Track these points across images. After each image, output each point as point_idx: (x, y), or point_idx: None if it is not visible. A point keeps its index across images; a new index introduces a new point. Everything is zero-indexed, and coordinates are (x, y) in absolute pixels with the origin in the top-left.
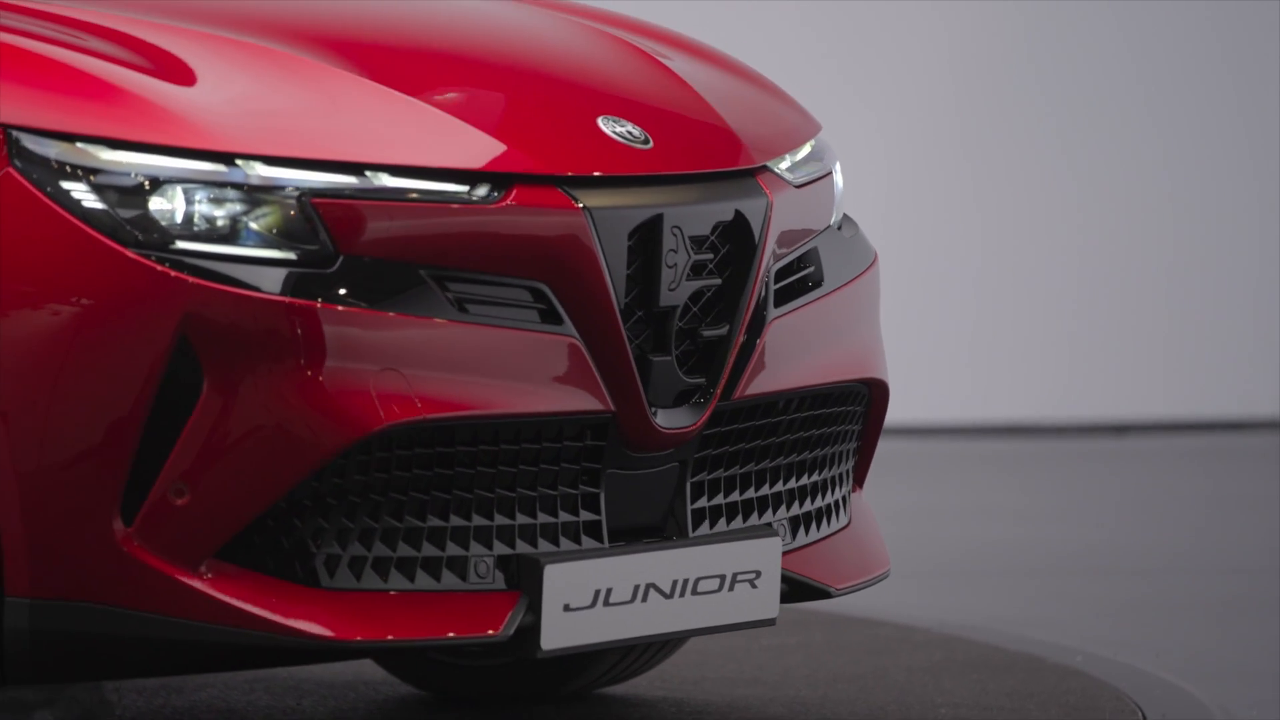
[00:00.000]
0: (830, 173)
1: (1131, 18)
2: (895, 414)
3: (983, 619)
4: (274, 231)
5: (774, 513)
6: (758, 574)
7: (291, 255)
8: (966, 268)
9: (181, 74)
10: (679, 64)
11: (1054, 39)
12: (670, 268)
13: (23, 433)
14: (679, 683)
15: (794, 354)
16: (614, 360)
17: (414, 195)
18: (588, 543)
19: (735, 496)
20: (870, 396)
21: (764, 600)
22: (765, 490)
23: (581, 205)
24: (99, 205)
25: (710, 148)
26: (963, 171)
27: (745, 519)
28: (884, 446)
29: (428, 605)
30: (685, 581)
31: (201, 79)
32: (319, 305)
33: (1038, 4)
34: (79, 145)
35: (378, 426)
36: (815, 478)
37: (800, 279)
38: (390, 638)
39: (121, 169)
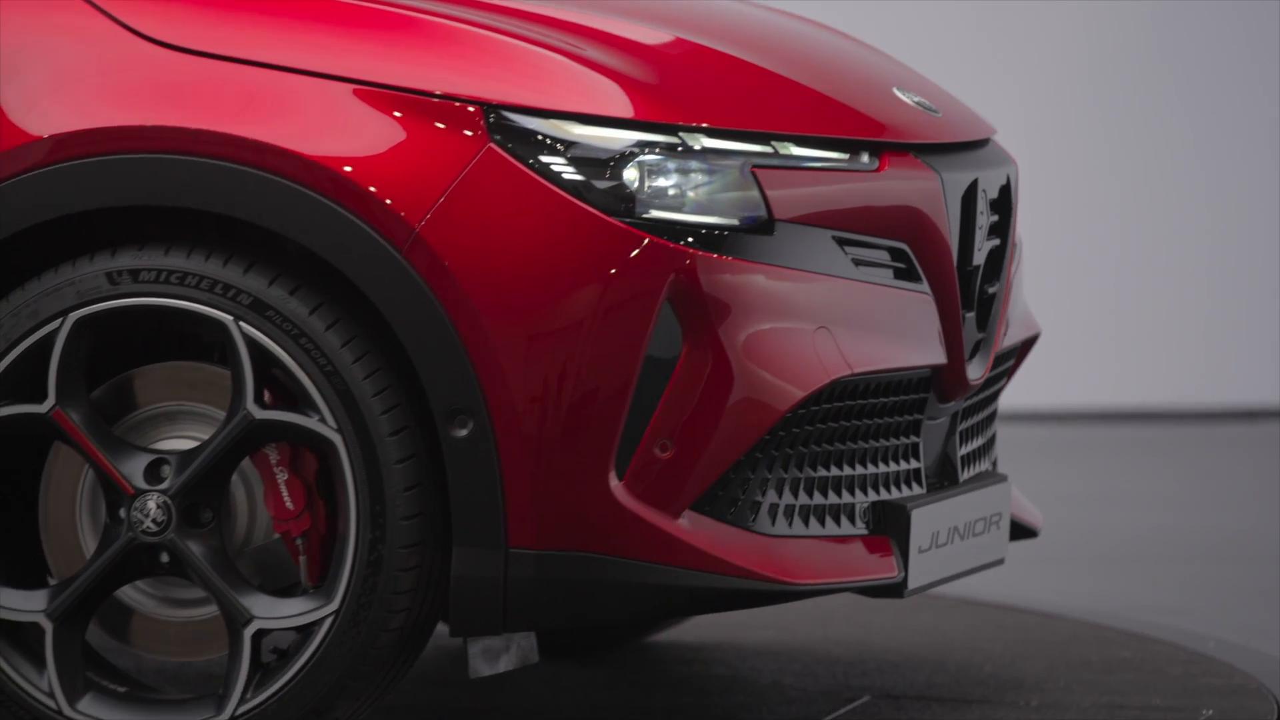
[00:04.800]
0: None
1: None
2: (1027, 399)
3: (1117, 605)
4: (725, 199)
5: (986, 460)
6: (999, 516)
7: (736, 221)
8: (1101, 256)
9: (631, 56)
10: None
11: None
12: (980, 229)
13: (527, 399)
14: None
15: (1016, 311)
16: (950, 316)
17: (822, 163)
18: (915, 489)
19: (972, 445)
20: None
21: (1001, 542)
22: (983, 439)
23: (936, 170)
24: (579, 177)
25: (964, 119)
26: (1100, 162)
27: (974, 467)
28: (1016, 432)
29: (838, 550)
30: (969, 524)
31: (647, 62)
32: (775, 268)
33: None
34: (553, 121)
35: (827, 381)
36: (994, 428)
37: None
38: (826, 581)
39: (593, 142)
